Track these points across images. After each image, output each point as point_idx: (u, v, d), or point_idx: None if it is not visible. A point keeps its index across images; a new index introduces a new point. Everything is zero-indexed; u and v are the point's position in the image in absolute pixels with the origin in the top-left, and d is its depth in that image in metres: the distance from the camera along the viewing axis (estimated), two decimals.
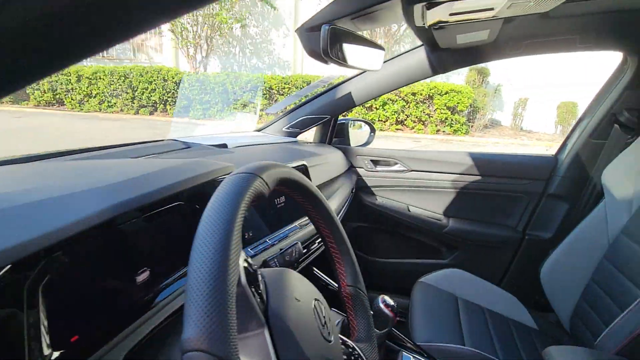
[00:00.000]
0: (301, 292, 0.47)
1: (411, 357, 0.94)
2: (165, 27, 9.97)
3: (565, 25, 1.22)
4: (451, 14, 0.78)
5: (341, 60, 0.88)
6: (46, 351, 0.40)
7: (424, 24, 0.83)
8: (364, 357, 0.58)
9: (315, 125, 1.63)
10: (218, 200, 0.37)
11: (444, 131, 8.46)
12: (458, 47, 1.27)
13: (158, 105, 9.75)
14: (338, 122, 1.76)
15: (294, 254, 0.74)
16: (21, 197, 0.48)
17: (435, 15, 0.79)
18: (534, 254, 1.49)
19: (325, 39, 0.85)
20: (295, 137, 1.64)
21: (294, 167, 1.04)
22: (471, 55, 1.35)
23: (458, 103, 8.11)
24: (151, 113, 9.86)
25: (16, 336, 0.37)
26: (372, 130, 1.91)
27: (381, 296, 0.87)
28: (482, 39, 1.16)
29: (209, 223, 0.35)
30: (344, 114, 1.69)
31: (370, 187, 1.70)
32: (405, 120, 8.62)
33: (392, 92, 8.50)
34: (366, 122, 1.94)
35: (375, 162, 1.69)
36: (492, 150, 6.14)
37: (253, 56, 11.24)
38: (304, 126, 1.61)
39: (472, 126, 8.59)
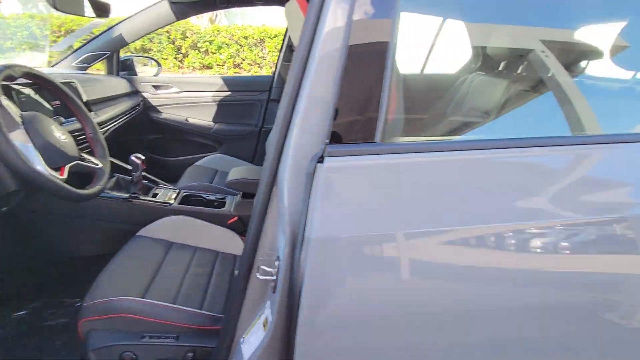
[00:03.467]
0: (49, 115, 1.11)
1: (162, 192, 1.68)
2: None
3: None
4: None
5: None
6: None
7: None
8: (96, 162, 1.26)
9: (100, 60, 2.12)
10: None
11: None
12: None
13: None
14: (123, 59, 2.28)
15: None
16: None
17: None
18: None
19: None
20: (85, 70, 2.12)
21: (62, 82, 1.59)
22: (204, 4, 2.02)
23: None
24: None
25: None
26: (158, 64, 2.50)
27: (134, 154, 1.55)
28: None
29: None
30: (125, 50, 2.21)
31: (155, 106, 2.33)
32: (242, 63, 9.14)
33: (225, 37, 8.84)
34: (151, 58, 2.50)
35: (156, 87, 2.30)
36: None
37: None
38: (89, 61, 2.10)
39: None
